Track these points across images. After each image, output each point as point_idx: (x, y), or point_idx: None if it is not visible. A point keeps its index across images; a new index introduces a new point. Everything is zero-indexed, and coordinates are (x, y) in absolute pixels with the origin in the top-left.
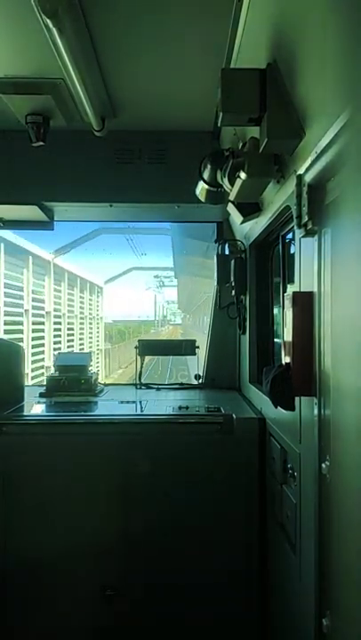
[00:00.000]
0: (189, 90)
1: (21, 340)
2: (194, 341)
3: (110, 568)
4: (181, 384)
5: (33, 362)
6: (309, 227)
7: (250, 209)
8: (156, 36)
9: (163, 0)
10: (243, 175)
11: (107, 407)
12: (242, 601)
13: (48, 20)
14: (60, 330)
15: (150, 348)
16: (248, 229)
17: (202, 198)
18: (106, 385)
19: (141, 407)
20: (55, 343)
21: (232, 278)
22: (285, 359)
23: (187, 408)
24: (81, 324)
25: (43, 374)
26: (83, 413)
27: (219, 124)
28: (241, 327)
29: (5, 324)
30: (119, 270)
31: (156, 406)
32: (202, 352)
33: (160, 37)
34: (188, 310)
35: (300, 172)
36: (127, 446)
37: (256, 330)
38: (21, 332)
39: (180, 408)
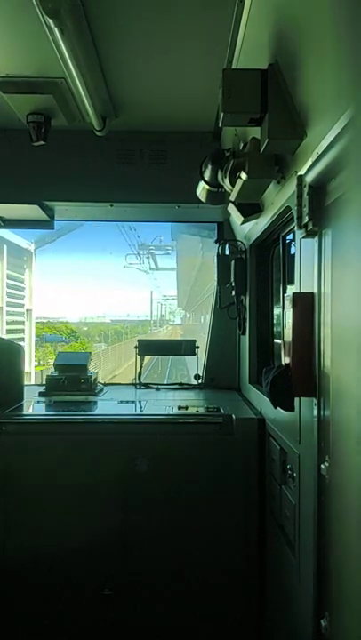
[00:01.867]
0: (191, 90)
1: None
2: (194, 341)
3: (109, 567)
4: (181, 384)
5: None
6: (310, 227)
7: (250, 209)
8: (157, 37)
9: (165, 0)
10: (243, 176)
11: (106, 407)
12: (241, 601)
13: (50, 20)
14: None
15: (150, 347)
16: (248, 230)
17: (202, 199)
18: (105, 385)
19: (141, 407)
20: None
21: (232, 279)
22: (285, 360)
23: (186, 408)
24: None
25: None
26: (82, 413)
27: (220, 125)
28: (241, 327)
29: None
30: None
31: (156, 406)
32: (202, 352)
33: (162, 37)
34: (189, 308)
35: (301, 172)
36: (126, 446)
37: (256, 330)
38: None
39: (179, 408)
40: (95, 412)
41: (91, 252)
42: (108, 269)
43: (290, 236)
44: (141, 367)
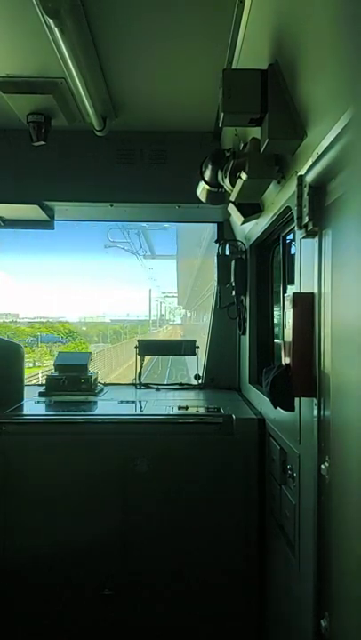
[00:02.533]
0: (191, 90)
1: None
2: (194, 341)
3: (109, 567)
4: (181, 384)
5: None
6: (310, 228)
7: (251, 209)
8: (157, 37)
9: (165, 0)
10: (243, 176)
11: (106, 407)
12: (241, 601)
13: (50, 20)
14: None
15: (150, 348)
16: (249, 230)
17: (202, 199)
18: (105, 385)
19: (141, 407)
20: None
21: (232, 279)
22: (285, 360)
23: (186, 408)
24: None
25: None
26: (82, 413)
27: (220, 125)
28: (241, 327)
29: None
30: None
31: (156, 406)
32: (202, 352)
33: (162, 37)
34: (190, 306)
35: (302, 172)
36: (127, 446)
37: (256, 330)
38: None
39: (179, 408)
40: (95, 412)
41: (90, 252)
42: (107, 268)
43: (290, 236)
44: (141, 367)
